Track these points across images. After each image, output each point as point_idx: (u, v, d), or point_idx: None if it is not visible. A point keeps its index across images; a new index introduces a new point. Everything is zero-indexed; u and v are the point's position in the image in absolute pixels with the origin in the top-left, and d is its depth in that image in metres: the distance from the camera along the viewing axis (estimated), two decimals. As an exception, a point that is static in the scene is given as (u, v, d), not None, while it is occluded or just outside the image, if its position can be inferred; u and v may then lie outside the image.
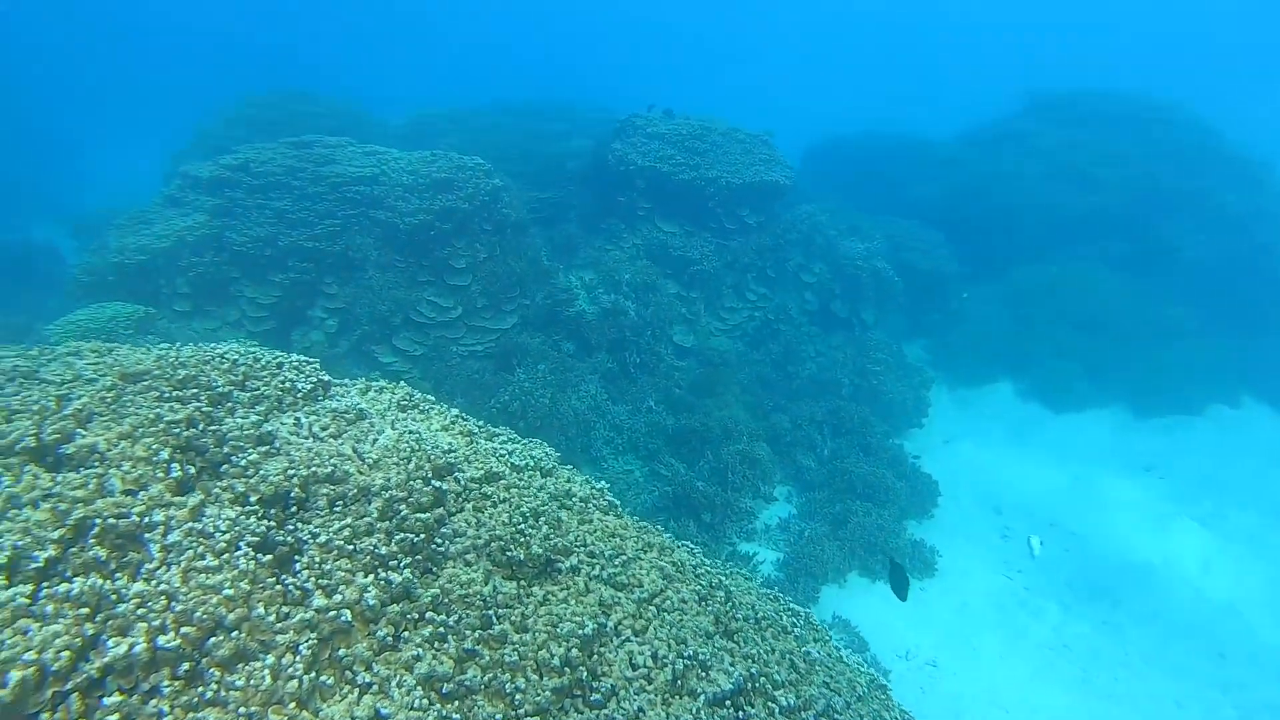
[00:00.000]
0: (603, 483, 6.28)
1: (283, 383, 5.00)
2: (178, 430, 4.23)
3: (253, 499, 4.00)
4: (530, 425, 12.92)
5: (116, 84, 47.42)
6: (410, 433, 4.95)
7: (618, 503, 6.14)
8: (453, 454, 5.07)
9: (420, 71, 59.75)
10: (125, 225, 14.59)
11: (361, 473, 4.36)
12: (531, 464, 5.88)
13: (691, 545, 5.89)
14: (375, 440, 4.74)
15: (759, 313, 17.79)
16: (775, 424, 15.18)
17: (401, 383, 6.50)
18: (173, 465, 4.01)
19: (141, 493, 3.84)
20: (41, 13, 53.21)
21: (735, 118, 20.17)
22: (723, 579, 5.52)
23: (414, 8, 79.18)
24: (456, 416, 6.08)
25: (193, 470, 4.07)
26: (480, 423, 6.54)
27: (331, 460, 4.32)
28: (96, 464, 3.99)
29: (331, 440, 4.58)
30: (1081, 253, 21.99)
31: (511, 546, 4.44)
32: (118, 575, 3.46)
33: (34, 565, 3.35)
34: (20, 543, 3.40)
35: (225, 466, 4.22)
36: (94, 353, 5.87)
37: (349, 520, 4.03)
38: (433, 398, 6.34)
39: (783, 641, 5.36)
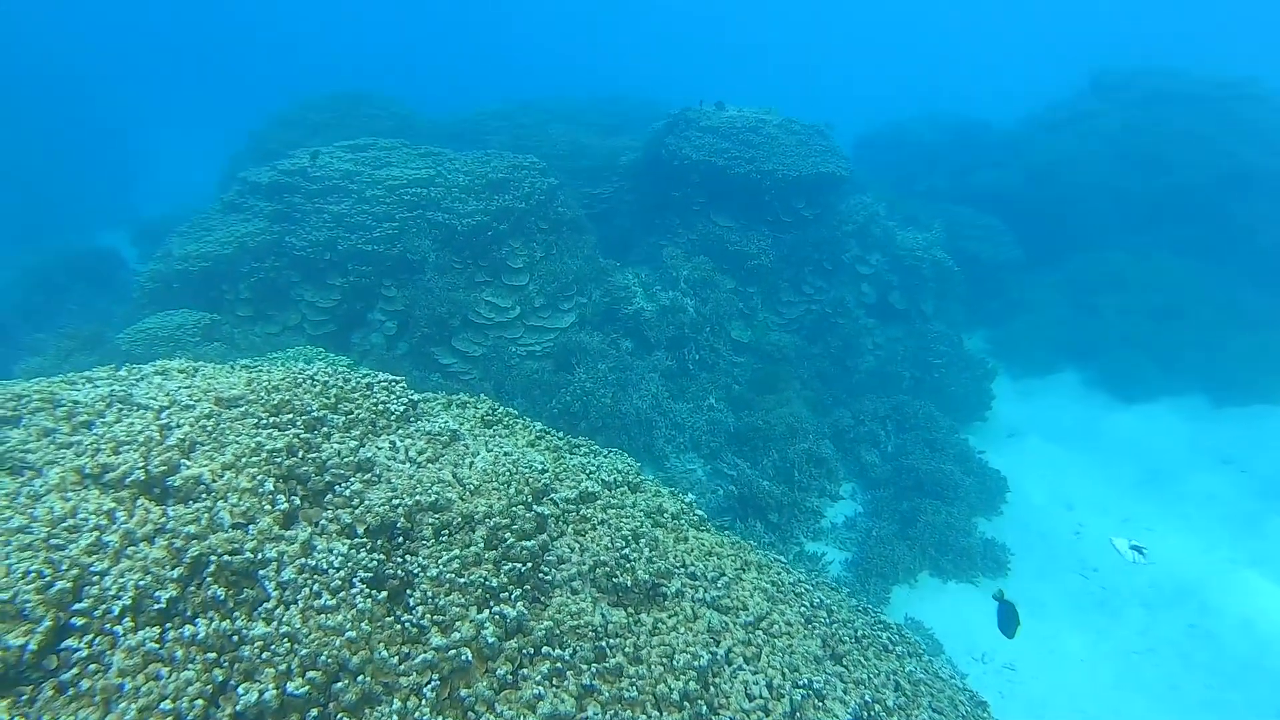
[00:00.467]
0: (690, 496, 6.16)
1: (375, 405, 4.94)
2: (279, 459, 4.19)
3: (360, 530, 3.94)
4: (592, 425, 12.86)
5: (166, 89, 48.22)
6: (505, 454, 4.87)
7: (705, 515, 6.02)
8: (546, 474, 4.98)
9: (464, 70, 59.84)
10: (187, 232, 14.77)
11: (464, 499, 4.28)
12: (619, 479, 5.78)
13: (786, 562, 5.74)
14: (472, 463, 4.66)
15: (815, 306, 17.49)
16: (837, 420, 14.96)
17: (482, 396, 6.44)
18: (278, 497, 3.96)
19: (251, 526, 3.79)
20: (89, 21, 54.29)
21: (784, 107, 19.87)
22: (822, 597, 5.37)
23: (455, 7, 79.38)
24: (541, 431, 6.00)
25: (297, 501, 4.02)
26: (561, 434, 6.46)
27: (434, 488, 4.24)
28: (204, 496, 3.96)
29: (431, 466, 4.51)
30: (1149, 237, 21.29)
31: (617, 572, 4.34)
32: (236, 615, 3.42)
33: (157, 606, 3.32)
34: (142, 582, 3.37)
35: (328, 496, 4.17)
36: (182, 373, 5.87)
37: (456, 551, 3.96)
38: (515, 411, 6.26)
39: (886, 661, 5.20)
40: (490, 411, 6.03)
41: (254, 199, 14.90)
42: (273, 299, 14.07)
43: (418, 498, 4.13)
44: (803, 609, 5.00)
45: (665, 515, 5.53)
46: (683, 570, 4.80)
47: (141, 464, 3.99)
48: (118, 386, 5.30)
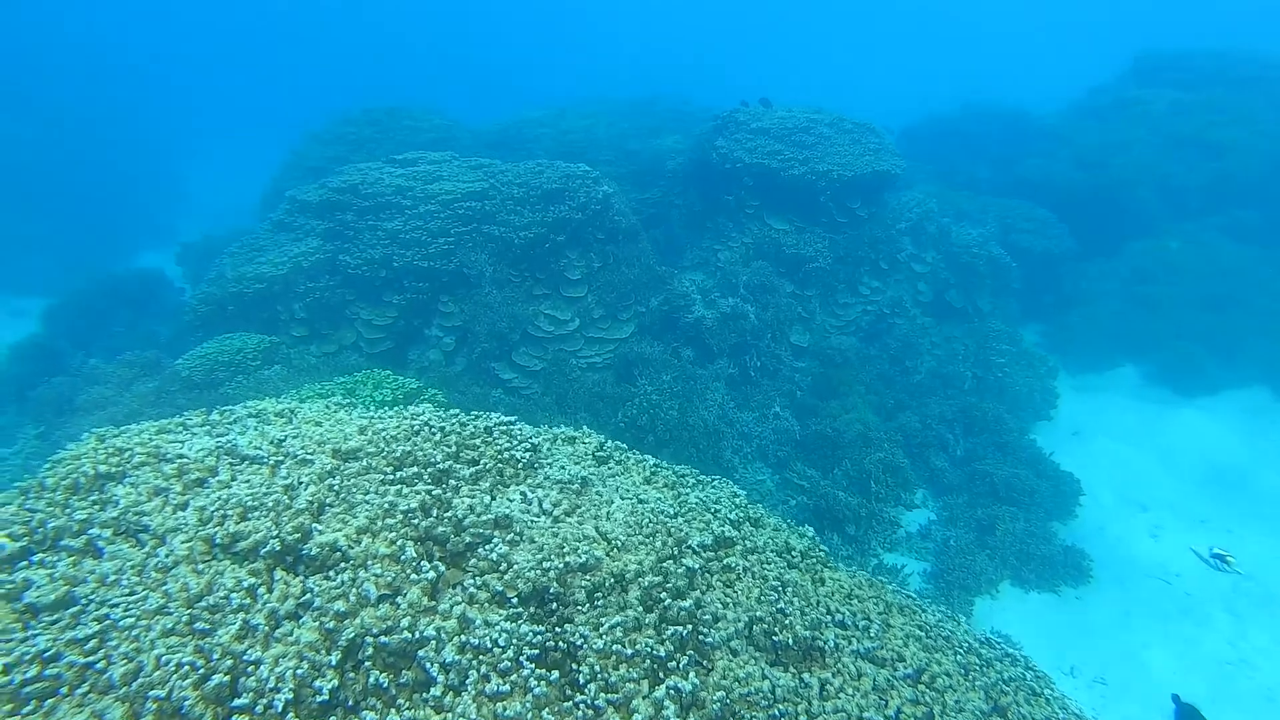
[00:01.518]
0: (809, 529, 5.86)
1: (499, 452, 4.68)
2: (415, 519, 3.94)
3: (511, 597, 3.67)
4: (659, 438, 12.58)
5: (197, 108, 48.48)
6: (641, 502, 4.60)
7: (828, 551, 5.72)
8: (679, 519, 4.70)
9: (494, 77, 59.62)
10: (238, 253, 14.65)
11: (612, 558, 4.01)
12: (740, 515, 5.49)
13: (925, 601, 5.43)
14: (610, 514, 4.39)
15: (872, 307, 17.12)
16: (903, 424, 14.57)
17: (584, 428, 6.17)
18: (422, 564, 3.71)
19: (399, 598, 3.54)
20: (126, 44, 54.72)
21: (818, 101, 19.47)
22: (971, 641, 5.06)
23: (471, 16, 79.17)
24: (655, 466, 5.72)
25: (441, 567, 3.76)
26: (667, 465, 6.16)
27: (581, 546, 3.98)
28: (343, 565, 3.72)
29: (570, 520, 4.24)
30: (1204, 224, 20.66)
31: (776, 630, 4.06)
32: (402, 703, 3.16)
33: (319, 698, 3.07)
34: (300, 670, 3.12)
35: (470, 559, 3.91)
36: (280, 417, 5.66)
37: (616, 616, 3.69)
38: (624, 445, 5.98)
39: (1041, 707, 4.88)
40: (600, 447, 5.76)
41: (304, 217, 14.74)
42: (327, 318, 13.91)
43: (567, 558, 3.86)
44: (959, 658, 4.68)
45: (795, 554, 5.23)
46: (830, 619, 4.51)
47: (275, 532, 3.75)
48: (220, 437, 5.08)
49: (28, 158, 28.43)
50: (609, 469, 5.51)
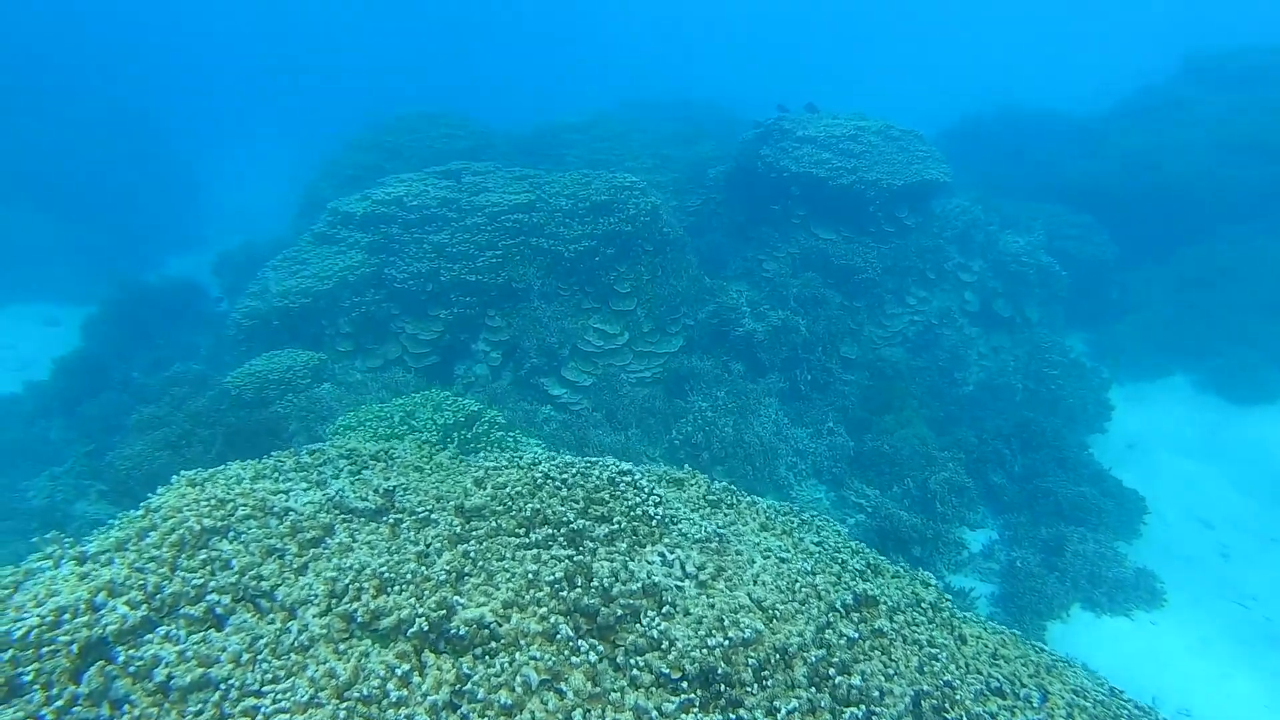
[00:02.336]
0: (930, 575, 5.56)
1: (630, 509, 4.39)
2: (562, 591, 3.66)
3: (678, 679, 3.39)
4: (714, 456, 12.33)
5: (222, 115, 48.44)
6: (781, 561, 4.31)
7: (953, 598, 5.43)
8: (815, 575, 4.41)
9: (516, 82, 59.19)
10: (282, 266, 14.43)
11: (772, 629, 3.73)
12: (864, 563, 5.20)
13: (1071, 662, 5.12)
14: (756, 576, 4.10)
15: (919, 317, 16.77)
16: (959, 439, 14.23)
17: (687, 467, 5.89)
18: (580, 643, 3.43)
19: (563, 685, 3.26)
20: (141, 47, 54.73)
21: (851, 105, 19.13)
22: (1133, 710, 4.74)
23: (489, 21, 78.73)
24: (769, 510, 5.43)
25: (600, 647, 3.48)
26: (775, 504, 5.88)
27: (742, 619, 3.69)
28: (493, 645, 3.44)
29: (718, 586, 3.95)
30: (1259, 228, 20.16)
31: (946, 706, 3.76)
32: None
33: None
34: (477, 779, 2.85)
35: (626, 635, 3.62)
36: (376, 460, 5.40)
37: (792, 701, 3.40)
38: (733, 485, 5.70)
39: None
40: (709, 490, 5.47)
41: (347, 230, 14.51)
42: (373, 333, 13.70)
43: (729, 633, 3.58)
44: (1123, 727, 4.38)
45: (926, 606, 4.93)
46: (986, 687, 4.21)
47: (419, 609, 3.47)
48: (322, 488, 4.82)
49: (52, 164, 28.34)
50: (724, 514, 5.23)
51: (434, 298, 13.52)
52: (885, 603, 4.47)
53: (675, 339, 14.07)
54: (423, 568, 3.73)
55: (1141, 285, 20.11)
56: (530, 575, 3.70)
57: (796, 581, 4.09)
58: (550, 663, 3.33)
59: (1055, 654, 5.18)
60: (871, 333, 16.13)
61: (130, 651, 3.51)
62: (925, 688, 3.82)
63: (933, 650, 4.11)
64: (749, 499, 5.53)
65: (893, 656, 4.00)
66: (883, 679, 3.81)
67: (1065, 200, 21.34)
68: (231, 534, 4.45)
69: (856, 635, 3.91)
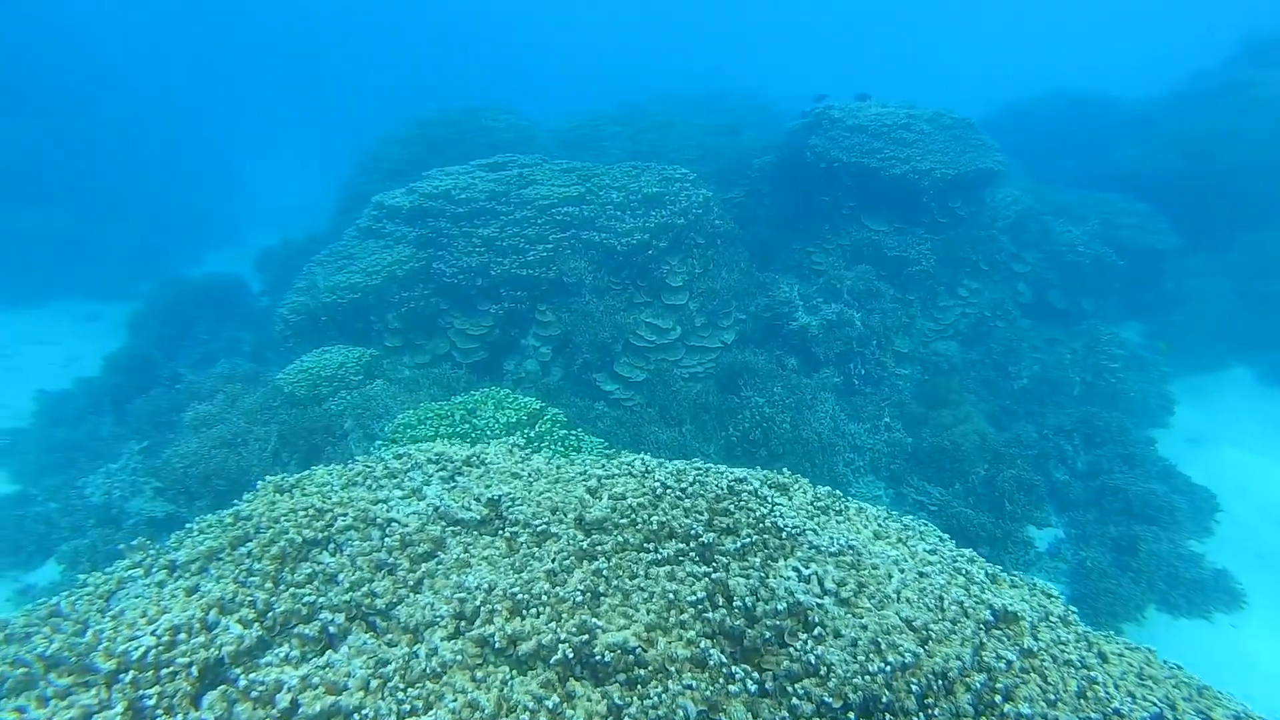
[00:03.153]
0: (1053, 587, 5.25)
1: (758, 520, 4.13)
2: (706, 613, 3.41)
3: (839, 708, 3.13)
4: (772, 452, 12.05)
5: (255, 109, 48.57)
6: (920, 575, 4.03)
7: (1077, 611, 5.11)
8: (951, 589, 4.13)
9: (552, 74, 58.90)
10: (328, 261, 14.27)
11: (929, 651, 3.46)
12: (986, 573, 4.90)
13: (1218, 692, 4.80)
14: (900, 594, 3.83)
15: (971, 310, 16.37)
16: (1019, 434, 13.86)
17: (785, 471, 5.62)
18: (734, 670, 3.18)
19: (723, 718, 3.01)
20: (187, 43, 55.00)
21: (891, 93, 18.65)
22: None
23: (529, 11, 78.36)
24: (886, 518, 5.15)
25: (756, 675, 3.23)
26: (890, 512, 5.58)
27: (900, 641, 3.42)
28: (639, 673, 3.19)
29: (863, 604, 3.68)
30: (1321, 214, 19.55)
31: (1117, 739, 3.48)
32: None
33: None
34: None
35: (767, 656, 3.37)
36: (470, 466, 5.17)
37: (964, 734, 3.14)
38: (838, 491, 5.42)
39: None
40: (816, 497, 5.20)
41: (393, 224, 14.31)
42: (420, 327, 13.51)
43: (888, 657, 3.31)
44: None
45: (1056, 620, 4.64)
46: (1150, 712, 3.91)
47: (560, 634, 3.23)
48: (421, 499, 4.60)
49: (87, 161, 28.39)
50: (831, 520, 4.95)
51: (483, 292, 13.29)
52: (1026, 619, 4.18)
53: (728, 333, 13.79)
54: (555, 588, 3.49)
55: (1200, 275, 19.53)
56: (671, 595, 3.45)
57: (944, 598, 3.81)
58: (707, 692, 3.08)
59: (1205, 684, 4.86)
60: (924, 326, 15.76)
61: (250, 675, 3.30)
62: (1093, 716, 3.54)
63: (1089, 673, 3.82)
64: (856, 505, 5.25)
65: (1049, 680, 3.71)
66: (1044, 705, 3.54)
67: (1116, 187, 20.78)
68: (332, 546, 4.24)
69: (1014, 657, 3.64)
